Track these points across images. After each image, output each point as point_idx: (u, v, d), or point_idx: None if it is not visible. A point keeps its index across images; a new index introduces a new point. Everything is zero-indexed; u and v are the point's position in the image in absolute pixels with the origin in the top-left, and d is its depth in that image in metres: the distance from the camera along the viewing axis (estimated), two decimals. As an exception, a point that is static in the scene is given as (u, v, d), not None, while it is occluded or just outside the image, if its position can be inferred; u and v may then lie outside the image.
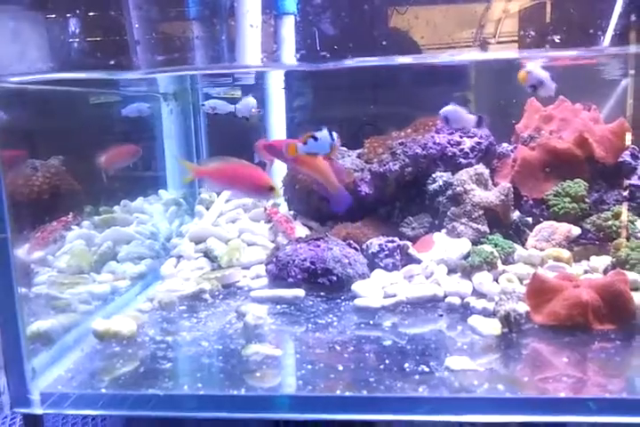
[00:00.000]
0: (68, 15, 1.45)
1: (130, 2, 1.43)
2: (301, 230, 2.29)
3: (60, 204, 2.21)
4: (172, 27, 1.58)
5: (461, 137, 2.30)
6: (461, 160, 2.26)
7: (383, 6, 1.98)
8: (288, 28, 1.92)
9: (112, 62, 1.45)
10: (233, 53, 1.54)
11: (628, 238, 1.92)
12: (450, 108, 1.99)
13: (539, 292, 1.67)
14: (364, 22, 1.83)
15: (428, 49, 2.05)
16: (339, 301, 1.89)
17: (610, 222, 1.98)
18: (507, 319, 1.59)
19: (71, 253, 2.09)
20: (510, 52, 1.89)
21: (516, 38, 1.93)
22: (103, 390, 1.41)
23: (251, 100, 2.10)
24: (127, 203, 2.47)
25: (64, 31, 1.47)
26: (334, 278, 1.94)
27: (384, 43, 1.85)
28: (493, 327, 1.60)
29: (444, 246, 2.04)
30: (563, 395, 1.31)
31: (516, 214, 2.23)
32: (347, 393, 1.32)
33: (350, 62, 1.70)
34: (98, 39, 1.52)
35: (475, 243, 2.03)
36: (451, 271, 1.97)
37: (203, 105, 2.23)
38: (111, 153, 2.22)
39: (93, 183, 2.31)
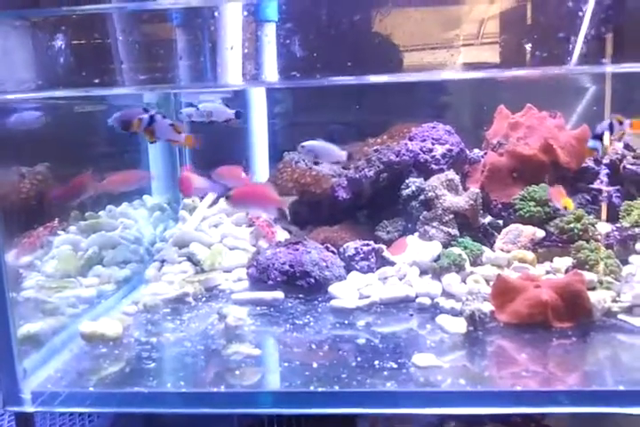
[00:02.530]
0: (56, 36, 1.54)
1: (115, 24, 1.52)
2: (281, 234, 2.39)
3: (47, 210, 2.28)
4: (155, 45, 1.66)
5: (433, 144, 2.40)
6: (433, 166, 2.36)
7: (367, 14, 2.04)
8: (269, 35, 1.99)
9: (97, 81, 1.54)
10: (214, 72, 1.63)
11: (588, 240, 2.03)
12: (314, 143, 2.11)
13: (502, 292, 1.78)
14: (347, 37, 1.90)
15: (409, 51, 2.13)
16: (316, 302, 1.98)
17: (572, 225, 2.09)
18: (472, 318, 1.70)
19: (58, 258, 2.16)
20: (482, 73, 1.97)
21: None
22: (91, 389, 1.49)
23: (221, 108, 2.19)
24: (112, 208, 2.53)
25: (51, 50, 1.56)
26: (312, 281, 2.03)
27: (368, 59, 1.91)
28: (459, 326, 1.71)
29: (417, 249, 2.14)
30: (519, 388, 1.41)
31: (487, 218, 2.34)
32: (319, 389, 1.42)
33: (332, 79, 1.78)
34: (84, 58, 1.60)
35: (445, 246, 2.14)
36: (422, 273, 2.07)
37: (180, 113, 2.30)
38: (116, 177, 2.24)
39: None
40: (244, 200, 2.05)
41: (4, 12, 1.57)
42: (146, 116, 1.92)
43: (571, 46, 1.75)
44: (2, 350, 1.51)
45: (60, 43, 1.61)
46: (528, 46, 1.85)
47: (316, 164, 2.20)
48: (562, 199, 1.96)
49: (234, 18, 1.82)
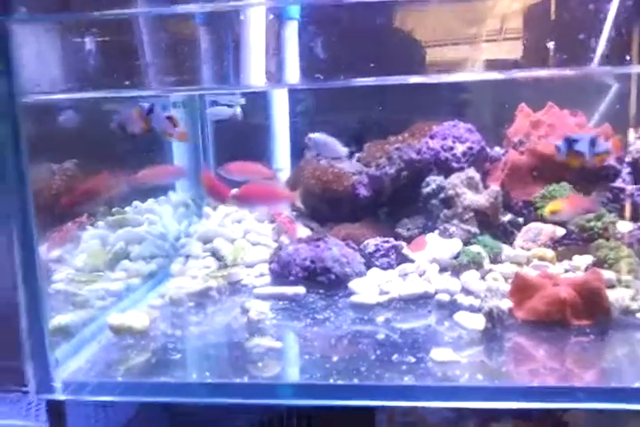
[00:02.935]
0: (86, 39, 1.60)
1: (142, 27, 1.58)
2: (303, 231, 2.43)
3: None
4: (180, 47, 1.71)
5: (454, 142, 2.42)
6: (454, 164, 2.38)
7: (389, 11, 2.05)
8: (291, 34, 2.02)
9: (126, 82, 1.60)
10: (238, 75, 1.67)
11: (608, 239, 2.04)
12: (319, 136, 2.14)
13: (521, 289, 1.80)
14: (369, 36, 1.91)
15: (431, 47, 2.14)
16: (336, 298, 2.02)
17: (592, 224, 2.10)
18: (490, 315, 1.71)
19: (87, 253, 2.23)
20: (504, 74, 1.97)
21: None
22: (119, 379, 1.55)
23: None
24: (138, 204, 2.59)
25: (82, 53, 1.62)
26: (333, 277, 2.07)
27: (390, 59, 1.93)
28: (478, 322, 1.73)
29: (437, 247, 2.17)
30: (536, 383, 1.44)
31: (507, 216, 2.35)
32: (339, 381, 1.46)
33: (354, 80, 1.80)
34: (113, 61, 1.66)
35: (465, 243, 2.16)
36: (442, 270, 2.10)
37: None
38: (153, 171, 2.28)
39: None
40: (250, 198, 2.10)
41: (37, 16, 1.64)
42: (146, 104, 1.98)
43: (594, 44, 1.75)
44: (35, 341, 1.56)
45: (89, 45, 1.67)
46: (551, 43, 1.85)
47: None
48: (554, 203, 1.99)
49: (257, 19, 1.86)
